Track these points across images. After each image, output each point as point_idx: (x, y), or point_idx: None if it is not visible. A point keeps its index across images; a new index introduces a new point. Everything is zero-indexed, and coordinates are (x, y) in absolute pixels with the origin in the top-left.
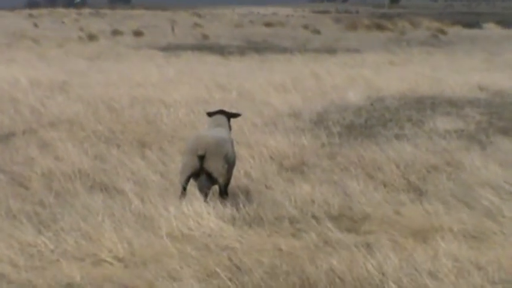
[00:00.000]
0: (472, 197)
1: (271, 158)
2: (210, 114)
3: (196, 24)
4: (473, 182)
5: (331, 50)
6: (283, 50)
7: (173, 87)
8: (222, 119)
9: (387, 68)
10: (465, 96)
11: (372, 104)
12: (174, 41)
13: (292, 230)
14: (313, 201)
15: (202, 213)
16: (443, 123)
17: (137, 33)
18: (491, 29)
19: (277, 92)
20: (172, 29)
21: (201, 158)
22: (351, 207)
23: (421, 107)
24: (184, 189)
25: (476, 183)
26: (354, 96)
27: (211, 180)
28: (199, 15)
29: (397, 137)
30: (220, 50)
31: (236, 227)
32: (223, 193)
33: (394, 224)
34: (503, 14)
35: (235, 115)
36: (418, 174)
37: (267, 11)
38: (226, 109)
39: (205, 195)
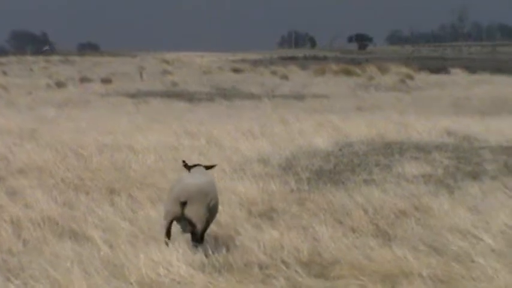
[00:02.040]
0: (441, 241)
1: (240, 204)
2: (188, 168)
3: (165, 71)
4: (441, 226)
5: (299, 96)
6: (252, 96)
7: (142, 134)
8: (201, 169)
9: (355, 113)
10: (433, 141)
11: (340, 150)
12: (143, 87)
13: (261, 276)
14: (282, 247)
15: (171, 260)
16: (411, 168)
17: (106, 80)
18: (458, 74)
19: (245, 138)
20: (141, 76)
21: (183, 205)
22: (320, 252)
23: (389, 152)
24: (168, 233)
25: (445, 227)
26: (322, 142)
27: (191, 225)
28: (167, 62)
29: (366, 182)
30: (189, 97)
31: (206, 274)
32: (199, 239)
33: (364, 269)
34: (469, 59)
35: (212, 167)
36: (387, 219)
37: (235, 57)
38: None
39: (194, 239)
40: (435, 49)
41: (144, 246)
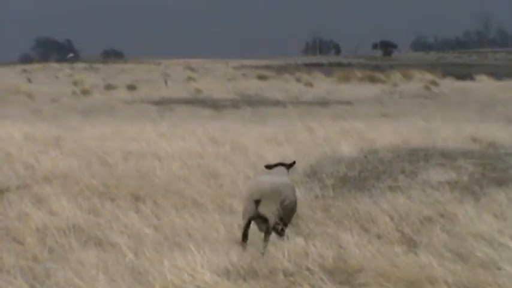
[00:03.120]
0: (466, 248)
1: None
2: (269, 167)
3: (189, 78)
4: (467, 233)
5: (324, 103)
6: (276, 103)
7: (166, 141)
8: (281, 169)
9: (380, 120)
10: (458, 147)
11: (365, 156)
12: (168, 95)
13: (286, 283)
14: (307, 254)
15: (196, 266)
16: (436, 174)
17: (130, 88)
18: (483, 80)
19: (270, 145)
20: (166, 83)
21: (257, 203)
22: (345, 259)
23: (415, 158)
24: (245, 232)
25: (470, 234)
26: (347, 148)
27: (265, 222)
28: (192, 69)
29: (391, 189)
30: (214, 104)
31: (230, 281)
32: (274, 232)
33: (389, 277)
34: (495, 65)
35: (292, 165)
36: (412, 226)
37: (259, 63)
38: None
39: (266, 237)
40: (460, 55)
41: (169, 253)
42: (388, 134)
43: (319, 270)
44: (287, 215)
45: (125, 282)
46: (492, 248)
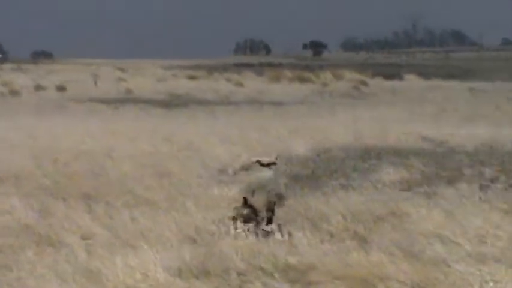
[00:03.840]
0: (418, 247)
1: (217, 209)
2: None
3: (119, 78)
4: (418, 231)
5: (254, 103)
6: (206, 103)
7: (94, 140)
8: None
9: (310, 119)
10: (391, 145)
11: (318, 155)
12: (97, 95)
13: (239, 282)
14: (260, 253)
15: (149, 265)
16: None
17: (60, 88)
18: (412, 80)
19: (205, 143)
20: (95, 83)
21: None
22: (297, 258)
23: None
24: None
25: (421, 233)
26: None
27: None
28: (122, 69)
29: (343, 187)
30: (143, 104)
31: (183, 279)
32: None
33: (341, 275)
34: (423, 65)
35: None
36: (364, 224)
37: (190, 63)
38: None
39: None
40: (389, 56)
41: (121, 252)
42: (312, 133)
43: (271, 269)
44: (267, 206)
45: (77, 282)
46: (443, 246)
